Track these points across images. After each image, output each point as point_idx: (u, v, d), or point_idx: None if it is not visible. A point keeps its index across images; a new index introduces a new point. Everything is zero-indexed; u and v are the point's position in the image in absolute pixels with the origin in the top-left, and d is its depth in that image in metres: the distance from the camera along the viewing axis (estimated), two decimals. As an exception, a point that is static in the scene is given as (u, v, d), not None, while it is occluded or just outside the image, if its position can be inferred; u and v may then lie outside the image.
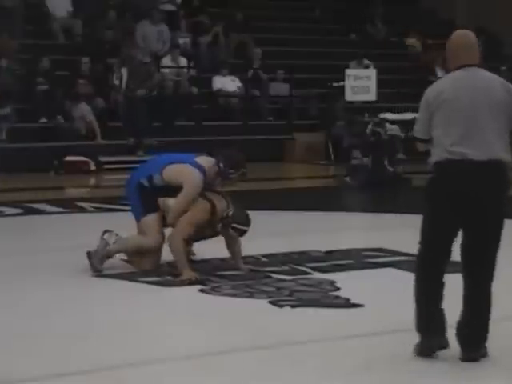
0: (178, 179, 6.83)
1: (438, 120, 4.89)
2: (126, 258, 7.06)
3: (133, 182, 7.07)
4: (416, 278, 5.05)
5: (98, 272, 6.83)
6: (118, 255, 7.04)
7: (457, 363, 4.90)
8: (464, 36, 4.98)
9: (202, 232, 6.93)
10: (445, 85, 4.93)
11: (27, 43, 16.10)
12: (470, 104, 4.81)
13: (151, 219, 6.89)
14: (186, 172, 6.84)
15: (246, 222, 6.87)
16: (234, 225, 6.80)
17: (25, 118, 14.94)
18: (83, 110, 15.01)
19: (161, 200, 6.89)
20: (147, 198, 6.91)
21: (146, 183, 6.94)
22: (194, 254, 7.23)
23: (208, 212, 6.78)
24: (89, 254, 6.86)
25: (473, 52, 4.92)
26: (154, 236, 6.88)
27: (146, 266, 6.90)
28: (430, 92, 4.93)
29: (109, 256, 6.92)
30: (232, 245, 7.03)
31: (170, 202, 6.86)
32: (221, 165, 6.90)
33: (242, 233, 6.89)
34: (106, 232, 6.93)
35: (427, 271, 5.01)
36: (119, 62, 15.86)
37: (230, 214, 6.81)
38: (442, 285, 5.00)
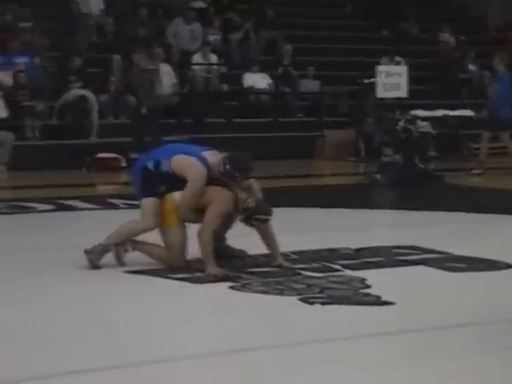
0: (182, 171, 6.88)
1: None
2: (152, 257, 7.09)
3: (138, 166, 7.12)
4: None
5: (96, 268, 6.87)
6: (139, 252, 7.08)
7: (488, 363, 4.88)
8: None
9: (228, 222, 6.96)
10: None
11: (59, 41, 16.22)
12: None
13: (148, 202, 6.90)
14: (190, 166, 6.86)
15: (268, 211, 6.90)
16: (255, 216, 6.83)
17: (57, 115, 15.03)
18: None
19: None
20: (149, 182, 6.95)
21: (151, 167, 6.98)
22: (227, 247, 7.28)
23: (232, 202, 6.82)
24: (86, 251, 6.92)
25: None
26: (146, 219, 6.89)
27: (173, 263, 6.92)
28: None
29: (106, 250, 6.95)
30: (266, 238, 7.05)
31: (177, 197, 6.89)
32: (227, 166, 6.89)
33: (264, 222, 6.91)
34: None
35: None
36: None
37: (251, 205, 6.83)
38: None
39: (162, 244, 7.03)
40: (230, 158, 6.93)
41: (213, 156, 6.99)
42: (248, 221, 6.90)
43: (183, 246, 6.96)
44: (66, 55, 15.61)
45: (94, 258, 6.90)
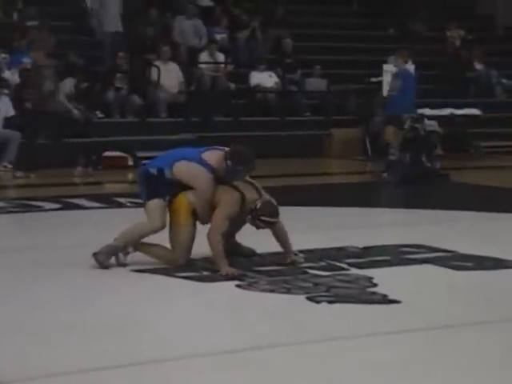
0: (186, 178, 6.87)
1: None
2: (154, 257, 7.09)
3: (142, 171, 7.15)
4: None
5: (105, 268, 6.86)
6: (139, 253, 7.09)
7: (492, 363, 4.86)
8: None
9: (235, 222, 6.97)
10: None
11: (66, 39, 16.23)
12: None
13: (153, 204, 6.89)
14: (196, 175, 6.85)
15: (274, 213, 6.90)
16: (262, 217, 6.83)
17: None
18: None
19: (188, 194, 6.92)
20: (153, 186, 6.94)
21: (155, 173, 6.98)
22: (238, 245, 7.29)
23: (239, 203, 6.82)
24: (94, 254, 6.92)
25: None
26: (154, 220, 6.88)
27: (176, 261, 6.92)
28: None
29: (114, 252, 6.93)
30: (277, 236, 7.05)
31: (190, 197, 6.88)
32: (228, 161, 6.87)
33: (271, 224, 6.90)
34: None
35: None
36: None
37: (258, 206, 6.83)
38: None
39: (167, 243, 7.02)
40: (232, 153, 6.92)
41: (213, 155, 6.95)
42: (254, 222, 6.89)
43: (190, 245, 6.96)
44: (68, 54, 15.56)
45: (103, 259, 6.89)
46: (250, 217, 6.89)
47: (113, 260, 6.97)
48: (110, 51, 16.40)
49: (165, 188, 6.94)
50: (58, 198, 10.89)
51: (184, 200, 6.92)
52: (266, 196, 7.01)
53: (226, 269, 6.70)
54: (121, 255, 6.98)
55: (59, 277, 6.75)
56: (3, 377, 4.56)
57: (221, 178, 6.91)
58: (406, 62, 14.38)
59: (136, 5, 17.48)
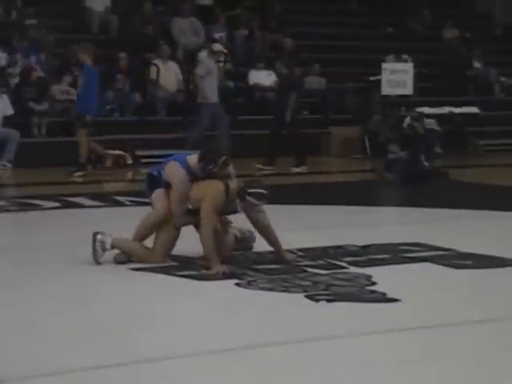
0: (167, 177, 7.11)
1: None
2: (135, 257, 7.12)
3: (147, 176, 7.42)
4: None
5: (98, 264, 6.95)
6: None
7: (490, 361, 4.87)
8: None
9: (224, 211, 6.99)
10: None
11: (65, 38, 16.23)
12: None
13: (155, 194, 7.13)
14: (172, 171, 7.09)
15: (262, 187, 6.94)
16: (250, 191, 6.85)
17: (63, 112, 15.03)
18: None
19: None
20: (154, 184, 7.21)
21: (156, 174, 7.26)
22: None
23: (223, 192, 6.84)
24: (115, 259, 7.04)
25: None
26: (157, 207, 7.05)
27: (155, 258, 6.98)
28: None
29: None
30: (266, 233, 7.04)
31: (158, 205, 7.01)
32: (201, 163, 7.04)
33: (261, 196, 6.89)
34: (97, 234, 6.99)
35: None
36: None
37: (243, 184, 6.88)
38: None
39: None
40: (202, 154, 7.10)
41: (195, 157, 7.16)
42: (245, 202, 6.88)
43: (172, 245, 7.01)
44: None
45: (119, 259, 7.03)
46: (239, 201, 6.89)
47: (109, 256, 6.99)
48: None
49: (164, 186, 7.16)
50: (57, 196, 10.90)
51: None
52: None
53: (217, 266, 6.72)
54: (100, 252, 6.98)
55: (59, 275, 6.76)
56: (4, 375, 4.56)
57: (201, 177, 7.04)
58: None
59: (130, 2, 17.50)
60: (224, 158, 7.08)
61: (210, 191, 6.87)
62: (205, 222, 6.79)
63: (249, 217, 7.03)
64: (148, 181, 7.35)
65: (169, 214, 7.00)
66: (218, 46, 14.96)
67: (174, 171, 7.09)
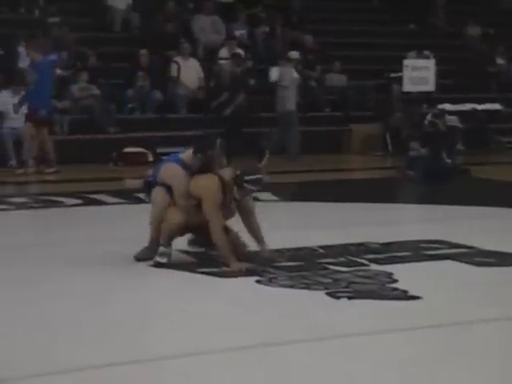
0: (165, 180, 7.08)
1: None
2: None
3: (145, 185, 7.39)
4: None
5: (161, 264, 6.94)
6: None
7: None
8: None
9: (225, 202, 6.96)
10: None
11: (86, 36, 16.29)
12: None
13: (153, 192, 7.10)
14: (170, 173, 7.07)
15: (256, 171, 6.90)
16: (247, 178, 6.81)
17: (84, 110, 15.10)
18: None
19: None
20: (153, 185, 7.19)
21: (151, 179, 7.24)
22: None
23: (219, 186, 6.82)
24: (138, 259, 7.05)
25: None
26: (157, 199, 7.05)
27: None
28: None
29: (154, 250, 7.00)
30: (250, 220, 6.99)
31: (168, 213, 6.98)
32: (195, 156, 7.05)
33: (259, 182, 6.86)
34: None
35: None
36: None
37: (239, 172, 6.85)
38: None
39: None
40: (195, 149, 7.08)
41: (188, 153, 7.16)
42: (242, 190, 6.84)
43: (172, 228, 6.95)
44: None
45: (140, 255, 7.04)
46: (237, 190, 6.86)
47: (128, 250, 7.00)
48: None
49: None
50: (79, 193, 10.94)
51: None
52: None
53: (235, 264, 6.73)
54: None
55: (78, 272, 6.78)
56: (17, 372, 4.58)
57: (197, 171, 7.03)
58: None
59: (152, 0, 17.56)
60: (218, 140, 7.10)
61: (205, 189, 6.82)
62: (211, 223, 6.78)
63: (240, 201, 7.00)
64: (146, 189, 7.31)
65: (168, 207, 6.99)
66: (294, 55, 15.16)
67: (172, 175, 7.05)
